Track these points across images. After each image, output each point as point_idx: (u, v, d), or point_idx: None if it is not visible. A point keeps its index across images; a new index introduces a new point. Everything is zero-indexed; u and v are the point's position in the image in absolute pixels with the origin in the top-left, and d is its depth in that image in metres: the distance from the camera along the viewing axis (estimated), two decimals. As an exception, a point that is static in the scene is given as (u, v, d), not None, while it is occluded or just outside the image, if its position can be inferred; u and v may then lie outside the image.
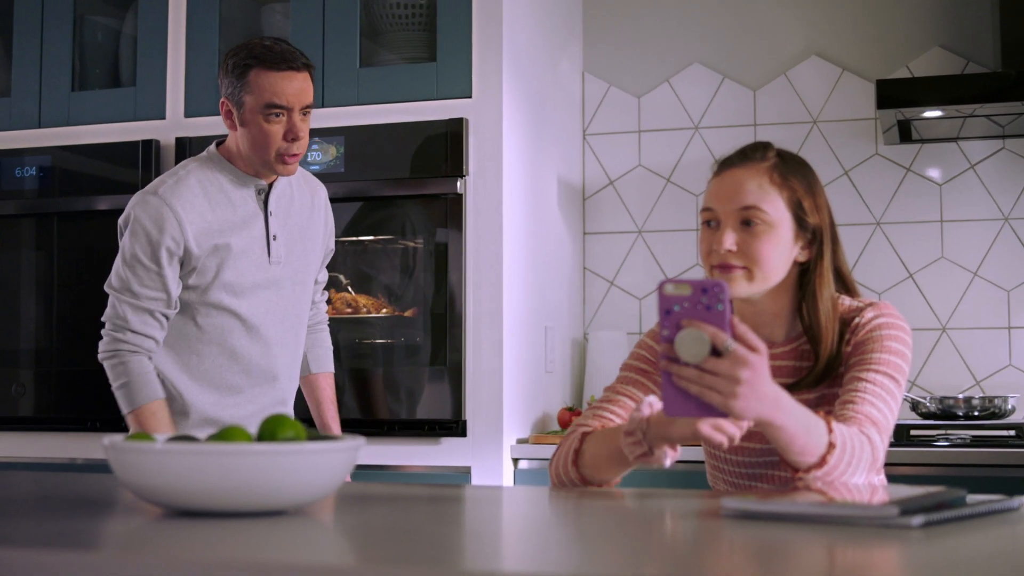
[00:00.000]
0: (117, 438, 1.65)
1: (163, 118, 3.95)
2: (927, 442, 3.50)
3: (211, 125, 3.85)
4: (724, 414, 1.76)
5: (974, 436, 3.59)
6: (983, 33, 4.06)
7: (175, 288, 2.87)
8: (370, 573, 1.27)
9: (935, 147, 4.11)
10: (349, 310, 3.71)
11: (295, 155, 2.89)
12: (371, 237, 3.80)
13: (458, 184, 3.59)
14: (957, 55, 4.10)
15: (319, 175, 3.71)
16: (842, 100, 4.19)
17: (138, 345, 2.87)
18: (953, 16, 4.12)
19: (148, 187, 2.92)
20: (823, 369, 2.13)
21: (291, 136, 2.86)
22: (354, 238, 3.79)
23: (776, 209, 2.12)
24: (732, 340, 1.72)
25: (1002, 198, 4.05)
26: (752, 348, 1.74)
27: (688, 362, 1.73)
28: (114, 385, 2.88)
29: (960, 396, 3.77)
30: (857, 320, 2.15)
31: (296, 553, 1.37)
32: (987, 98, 3.65)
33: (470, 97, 3.65)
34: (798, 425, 1.84)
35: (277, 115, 2.84)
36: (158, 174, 3.90)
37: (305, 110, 2.88)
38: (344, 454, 1.67)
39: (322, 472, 1.65)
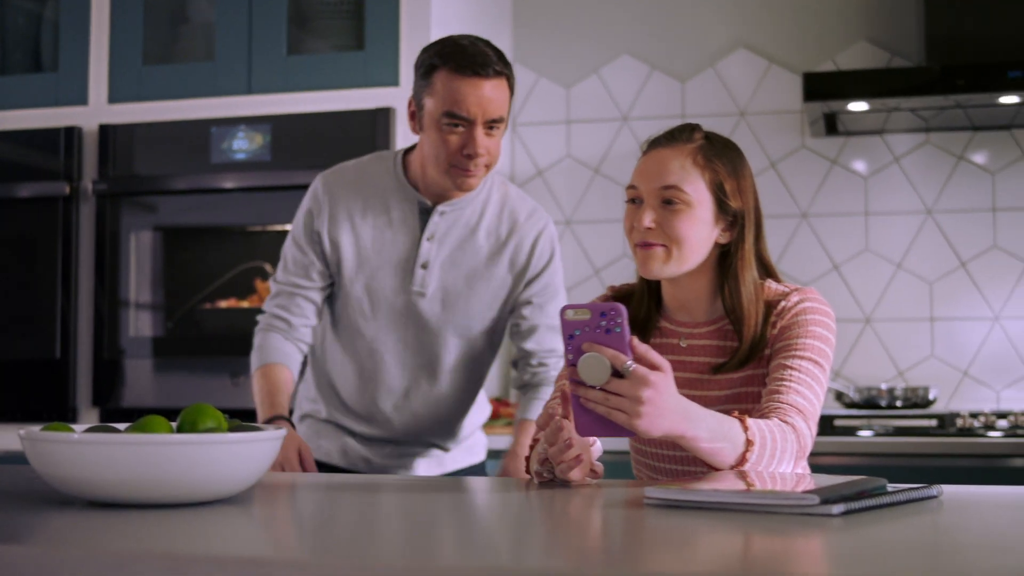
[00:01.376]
0: (34, 429, 1.62)
1: (85, 104, 3.90)
2: (851, 432, 3.54)
3: (135, 112, 3.81)
4: (632, 433, 1.78)
5: (897, 426, 3.63)
6: (908, 28, 4.10)
7: (319, 276, 2.70)
8: (288, 564, 1.26)
9: (861, 140, 4.15)
10: (275, 300, 3.68)
11: (471, 172, 2.56)
12: (298, 226, 3.76)
13: (386, 172, 3.57)
14: (883, 49, 4.14)
15: (244, 163, 3.68)
16: (769, 93, 4.22)
17: (268, 323, 2.73)
18: (879, 10, 4.16)
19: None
20: (748, 350, 2.15)
21: (467, 151, 2.53)
22: (280, 227, 3.76)
23: (696, 190, 2.14)
24: (632, 361, 1.74)
25: (926, 191, 4.09)
26: (654, 366, 1.77)
27: (592, 385, 1.76)
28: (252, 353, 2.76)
29: (883, 386, 3.82)
30: (783, 304, 2.16)
31: (216, 544, 1.36)
32: (912, 92, 3.69)
33: (398, 85, 3.63)
34: (711, 432, 1.85)
35: (456, 126, 2.52)
36: (80, 161, 3.86)
37: (493, 124, 2.54)
38: (266, 444, 1.66)
39: (244, 463, 1.63)
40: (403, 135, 3.60)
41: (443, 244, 2.67)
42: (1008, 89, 3.61)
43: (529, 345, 2.73)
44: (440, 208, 2.65)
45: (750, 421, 1.91)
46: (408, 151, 2.72)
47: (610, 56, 4.39)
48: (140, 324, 3.84)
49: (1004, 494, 1.86)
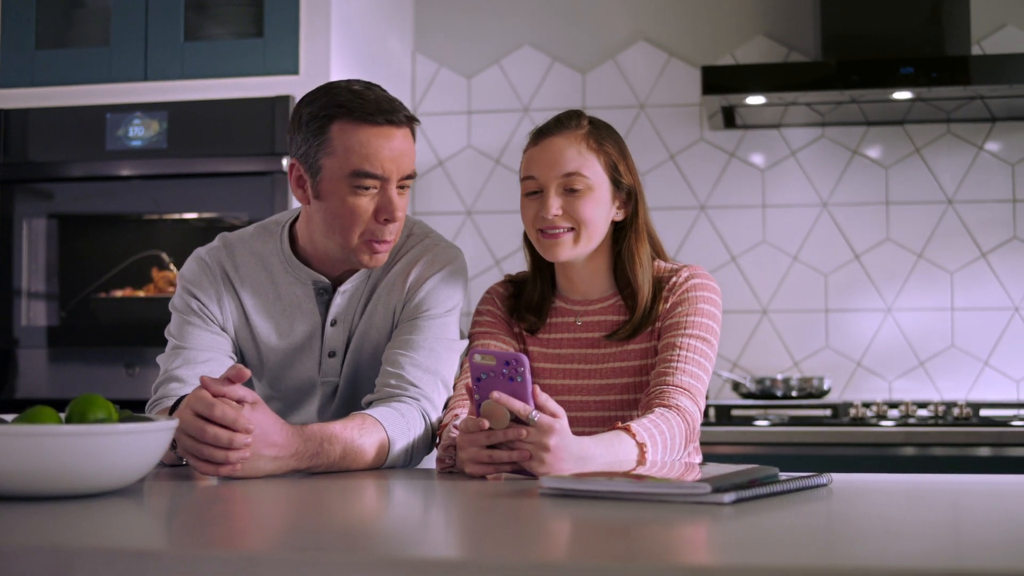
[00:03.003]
0: (-84, 419, 1.58)
1: (-26, 89, 3.82)
2: (747, 421, 3.59)
3: (29, 97, 3.74)
4: (530, 473, 1.85)
5: (792, 416, 3.69)
6: (805, 24, 4.16)
7: (224, 342, 2.32)
8: (175, 557, 1.25)
9: (758, 133, 4.20)
10: (171, 288, 3.63)
11: (387, 241, 2.20)
12: (195, 215, 3.72)
13: (284, 162, 3.54)
14: (780, 44, 4.19)
15: (141, 151, 3.63)
16: (669, 85, 4.25)
17: (165, 393, 2.25)
18: (776, 6, 4.21)
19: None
20: (640, 320, 2.26)
21: (385, 216, 2.15)
22: (177, 216, 3.71)
23: (595, 173, 2.24)
24: (536, 412, 1.83)
25: (821, 184, 4.15)
26: (553, 415, 1.84)
27: (495, 428, 1.85)
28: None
29: (779, 377, 3.88)
30: (674, 280, 2.28)
31: (103, 537, 1.34)
32: (808, 87, 3.75)
33: (297, 74, 3.60)
34: (606, 459, 1.92)
35: (367, 187, 2.14)
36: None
37: (404, 182, 2.18)
38: (157, 435, 1.64)
39: (134, 454, 1.61)
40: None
41: (349, 325, 2.32)
42: (901, 85, 3.68)
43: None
44: (341, 288, 2.30)
45: (635, 427, 1.99)
46: (294, 222, 2.34)
47: (511, 47, 4.39)
48: (33, 313, 3.77)
49: (893, 482, 1.90)
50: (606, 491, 1.59)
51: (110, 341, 3.71)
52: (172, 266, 3.70)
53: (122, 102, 3.69)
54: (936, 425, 3.43)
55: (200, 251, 2.35)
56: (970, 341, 4.09)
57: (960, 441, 3.38)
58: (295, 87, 3.59)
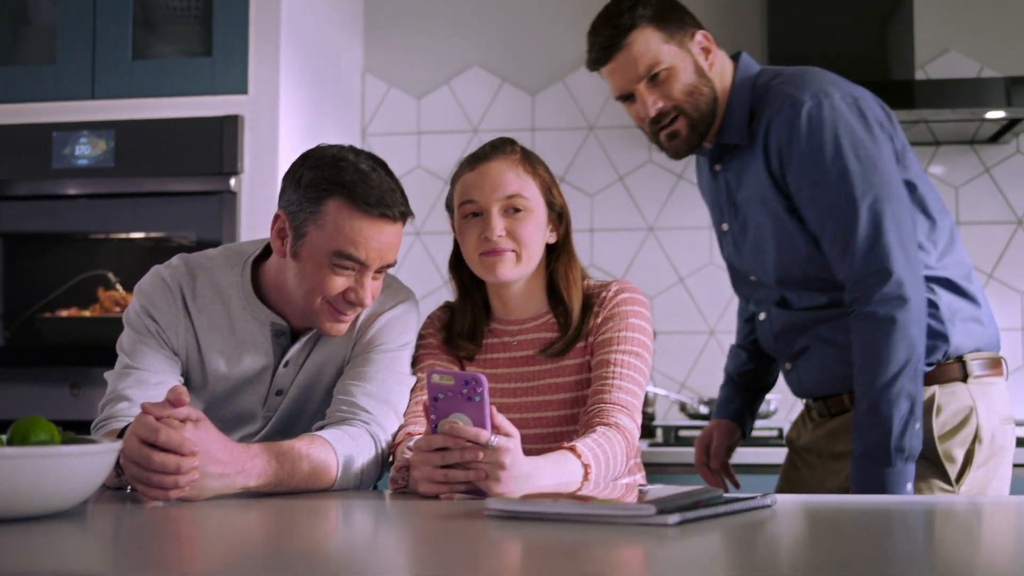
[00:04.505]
0: None
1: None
2: (694, 442, 3.59)
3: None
4: (482, 492, 1.88)
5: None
6: (753, 46, 4.19)
7: (174, 363, 2.31)
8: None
9: (706, 155, 4.22)
10: (118, 309, 3.61)
11: (348, 317, 2.23)
12: (142, 234, 3.70)
13: (232, 182, 3.53)
14: (727, 66, 4.22)
15: (87, 169, 3.60)
16: (618, 107, 4.26)
17: (112, 413, 2.23)
18: (724, 29, 4.24)
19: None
20: (572, 337, 2.31)
21: (353, 298, 2.18)
22: (124, 235, 3.69)
23: (534, 195, 2.30)
24: (493, 436, 1.85)
25: (768, 206, 4.18)
26: (508, 435, 1.88)
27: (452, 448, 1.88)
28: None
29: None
30: (604, 295, 2.34)
31: (44, 560, 1.32)
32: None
33: (246, 93, 3.59)
34: (555, 478, 1.96)
35: (347, 267, 2.16)
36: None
37: (383, 269, 2.22)
38: (100, 457, 1.63)
39: (76, 477, 1.60)
40: (251, 144, 3.56)
41: (302, 367, 2.33)
42: (846, 108, 3.71)
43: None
44: (303, 340, 2.31)
45: (580, 447, 2.03)
46: (260, 258, 2.35)
47: (461, 68, 4.40)
48: (-24, 333, 3.74)
49: (835, 502, 1.91)
50: (552, 513, 1.59)
51: (55, 361, 3.68)
52: (119, 286, 3.67)
53: (69, 120, 3.67)
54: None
55: (161, 269, 2.34)
56: (915, 362, 4.12)
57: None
58: (244, 106, 3.58)
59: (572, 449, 2.02)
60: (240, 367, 2.30)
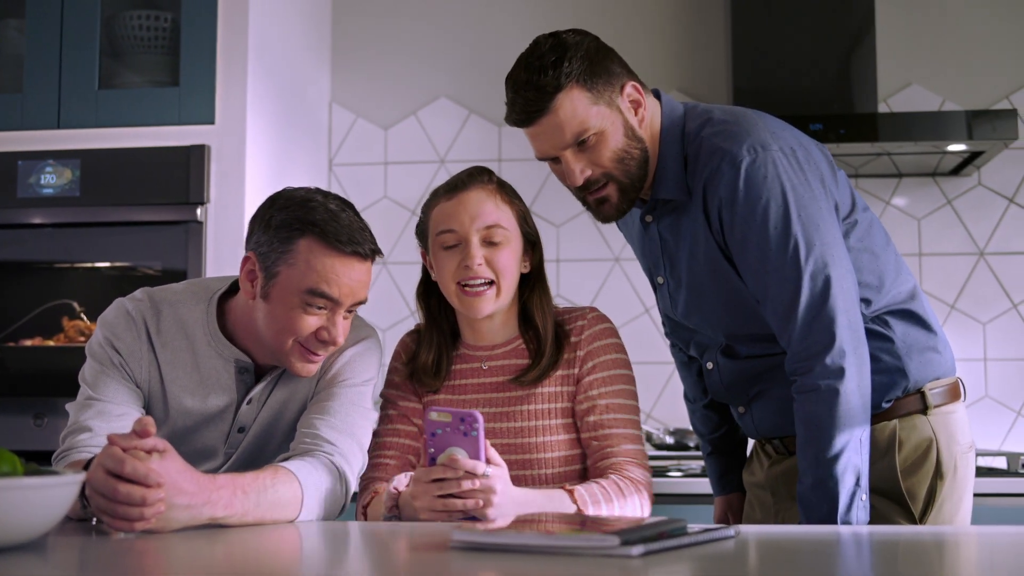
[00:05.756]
0: None
1: None
2: (661, 472, 3.60)
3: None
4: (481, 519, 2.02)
5: (705, 467, 3.71)
6: (717, 79, 4.23)
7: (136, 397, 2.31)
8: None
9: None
10: (83, 338, 3.59)
11: (319, 357, 2.25)
12: (107, 264, 3.69)
13: (199, 211, 3.52)
14: (692, 98, 4.25)
15: (52, 199, 3.59)
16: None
17: (73, 444, 2.20)
18: (691, 61, 4.28)
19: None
20: (547, 365, 2.33)
21: (325, 337, 2.20)
22: (89, 264, 3.67)
23: (512, 225, 2.32)
24: (487, 468, 2.00)
25: (733, 237, 4.21)
26: (497, 465, 2.03)
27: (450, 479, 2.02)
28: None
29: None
30: (580, 323, 2.37)
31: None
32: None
33: (213, 123, 3.59)
34: (544, 506, 2.10)
35: (319, 306, 2.18)
36: None
37: (353, 308, 2.25)
38: (63, 489, 1.62)
39: (38, 509, 1.59)
40: (217, 174, 3.56)
41: (265, 404, 2.34)
42: (810, 141, 3.74)
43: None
44: (267, 378, 2.32)
45: (578, 492, 2.14)
46: (226, 295, 2.36)
47: (428, 99, 4.42)
48: (-61, 363, 3.71)
49: (798, 532, 1.92)
50: (515, 544, 1.59)
51: (18, 391, 3.65)
52: (83, 315, 3.65)
53: (34, 149, 3.66)
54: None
55: (125, 302, 2.33)
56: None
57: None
58: (211, 136, 3.58)
59: (570, 493, 2.14)
60: (204, 403, 2.31)
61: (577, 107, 2.27)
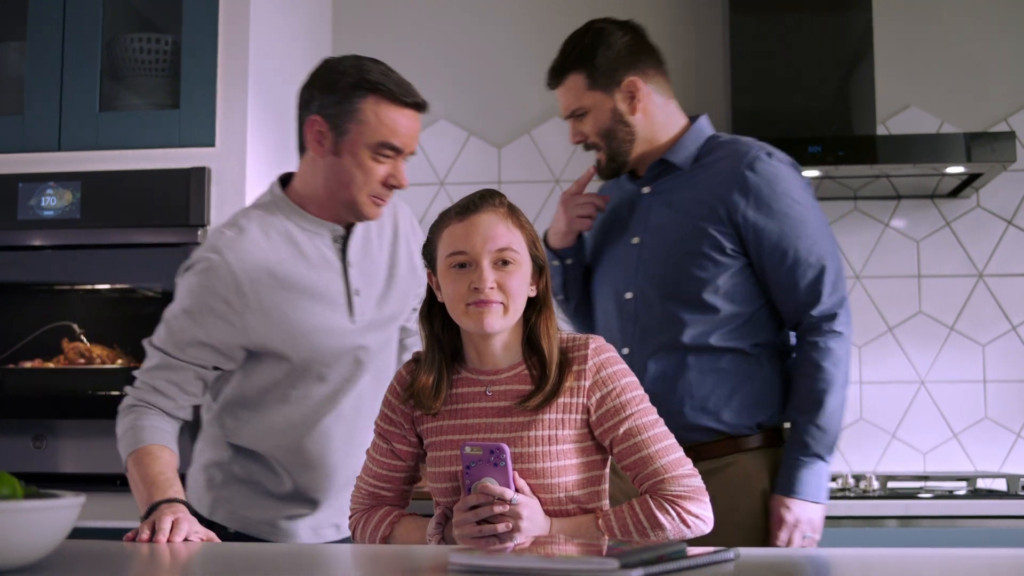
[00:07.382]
0: None
1: None
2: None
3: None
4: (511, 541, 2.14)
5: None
6: (716, 101, 4.24)
7: (216, 356, 2.59)
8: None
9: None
10: (82, 360, 3.59)
11: (386, 202, 2.61)
12: (107, 286, 3.69)
13: (199, 234, 3.53)
14: (692, 121, 4.26)
15: (53, 221, 3.60)
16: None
17: (146, 399, 2.57)
18: (689, 83, 4.29)
19: (207, 242, 2.61)
20: (551, 391, 2.29)
21: (394, 182, 2.56)
22: (89, 286, 3.68)
23: (522, 248, 2.31)
24: (515, 495, 2.15)
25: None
26: (525, 494, 2.18)
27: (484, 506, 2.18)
28: (118, 432, 2.52)
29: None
30: (583, 352, 2.33)
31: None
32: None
33: (213, 146, 3.60)
34: (569, 530, 2.21)
35: (387, 156, 2.53)
36: None
37: (409, 157, 2.59)
38: (62, 512, 1.62)
39: (39, 531, 1.59)
40: (218, 196, 3.56)
41: (358, 267, 2.68)
42: (809, 163, 3.76)
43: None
44: (353, 232, 2.67)
45: (604, 519, 2.21)
46: (284, 182, 2.68)
47: (428, 121, 4.42)
48: (-61, 384, 3.71)
49: (797, 555, 1.92)
50: (514, 567, 1.59)
51: (18, 413, 3.65)
52: (83, 337, 3.66)
53: (35, 171, 3.67)
54: (845, 498, 3.48)
55: (211, 257, 2.58)
56: (877, 414, 4.16)
57: (869, 513, 3.42)
58: (211, 159, 3.59)
59: (596, 517, 2.22)
60: (323, 286, 2.60)
61: (575, 88, 2.94)
